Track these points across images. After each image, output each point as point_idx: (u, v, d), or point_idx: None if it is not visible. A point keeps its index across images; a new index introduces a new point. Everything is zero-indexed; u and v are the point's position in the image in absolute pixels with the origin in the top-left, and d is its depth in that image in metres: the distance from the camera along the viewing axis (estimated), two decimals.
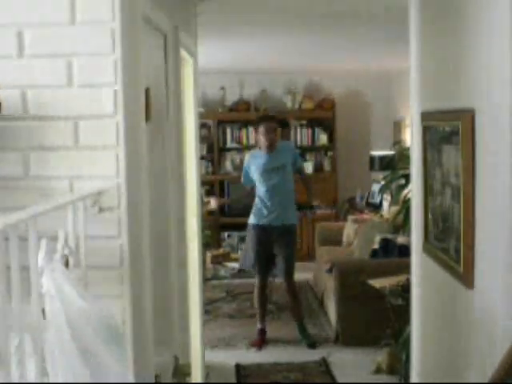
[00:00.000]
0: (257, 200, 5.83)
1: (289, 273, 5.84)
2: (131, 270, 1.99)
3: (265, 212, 5.74)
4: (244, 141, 9.45)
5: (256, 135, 6.06)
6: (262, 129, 5.78)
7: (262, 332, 5.86)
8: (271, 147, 5.78)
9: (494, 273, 2.28)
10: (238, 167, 9.39)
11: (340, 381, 5.06)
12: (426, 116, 3.15)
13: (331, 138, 9.43)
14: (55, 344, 1.50)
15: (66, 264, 1.69)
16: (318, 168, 9.44)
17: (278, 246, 5.76)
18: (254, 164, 5.85)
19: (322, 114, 9.40)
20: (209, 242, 8.15)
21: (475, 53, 2.46)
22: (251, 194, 5.94)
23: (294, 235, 5.90)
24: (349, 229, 7.70)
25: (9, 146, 1.95)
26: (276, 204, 5.72)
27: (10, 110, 1.93)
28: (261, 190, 5.78)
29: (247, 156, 6.14)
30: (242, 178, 6.01)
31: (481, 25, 2.40)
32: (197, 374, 3.99)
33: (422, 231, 3.24)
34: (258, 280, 5.92)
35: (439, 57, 2.97)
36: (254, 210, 5.84)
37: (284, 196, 5.76)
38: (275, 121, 5.92)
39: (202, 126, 8.87)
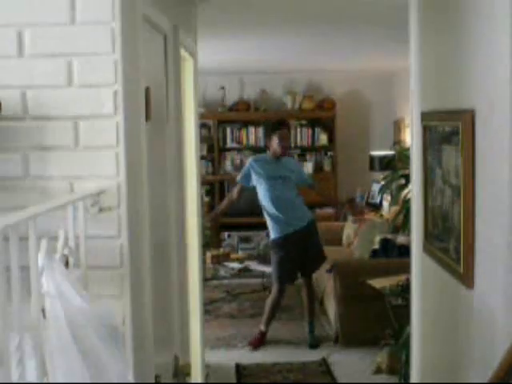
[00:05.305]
0: (268, 217, 5.80)
1: (314, 271, 5.94)
2: (131, 270, 1.99)
3: (282, 223, 5.73)
4: (244, 141, 9.44)
5: (269, 141, 5.85)
6: (277, 136, 5.75)
7: (264, 335, 5.85)
8: (282, 155, 5.81)
9: (494, 273, 2.28)
10: (238, 167, 9.40)
11: (340, 381, 5.06)
12: (426, 116, 3.15)
13: (331, 138, 9.42)
14: (55, 344, 1.50)
15: (66, 264, 1.69)
16: (318, 168, 9.43)
17: (305, 247, 5.78)
18: (260, 170, 5.78)
19: (322, 114, 9.39)
20: (209, 242, 8.14)
21: (475, 53, 2.46)
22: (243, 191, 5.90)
23: (315, 230, 5.92)
24: (349, 229, 7.70)
25: (9, 146, 1.95)
26: (287, 211, 5.72)
27: (10, 110, 1.93)
28: (267, 201, 5.75)
29: (250, 160, 5.96)
30: (239, 177, 5.92)
31: (481, 24, 2.40)
32: (197, 374, 3.99)
33: (422, 231, 3.24)
34: (277, 286, 5.83)
35: (439, 57, 2.97)
36: (270, 226, 5.80)
37: (290, 200, 5.77)
38: (288, 127, 5.95)
39: (202, 125, 8.86)
